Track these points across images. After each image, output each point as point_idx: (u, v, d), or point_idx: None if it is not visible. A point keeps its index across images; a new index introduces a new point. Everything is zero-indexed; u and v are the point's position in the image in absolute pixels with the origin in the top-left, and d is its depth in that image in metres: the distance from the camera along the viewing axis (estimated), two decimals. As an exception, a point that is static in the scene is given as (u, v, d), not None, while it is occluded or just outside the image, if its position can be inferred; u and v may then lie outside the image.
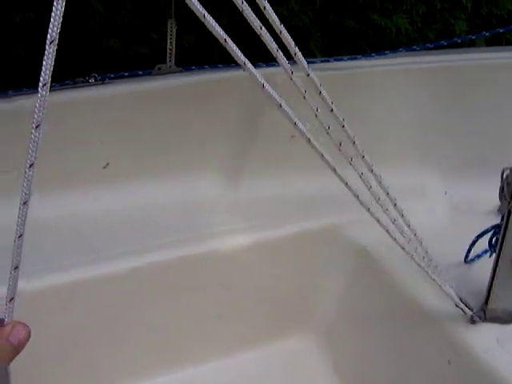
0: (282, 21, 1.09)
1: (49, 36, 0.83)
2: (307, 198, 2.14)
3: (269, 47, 1.09)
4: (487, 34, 2.49)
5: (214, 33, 0.97)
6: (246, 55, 1.03)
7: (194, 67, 2.22)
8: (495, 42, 3.30)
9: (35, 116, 0.82)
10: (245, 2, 1.02)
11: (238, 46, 1.01)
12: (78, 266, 1.79)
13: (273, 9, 1.06)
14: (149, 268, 1.85)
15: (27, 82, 2.83)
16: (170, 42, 2.17)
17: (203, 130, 2.18)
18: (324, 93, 1.19)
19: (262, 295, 1.99)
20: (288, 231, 2.00)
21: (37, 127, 0.84)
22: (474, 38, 2.58)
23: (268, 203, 2.12)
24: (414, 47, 2.34)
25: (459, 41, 2.38)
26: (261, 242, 1.96)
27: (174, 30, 2.18)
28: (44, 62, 0.83)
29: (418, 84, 2.25)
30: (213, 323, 1.96)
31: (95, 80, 2.14)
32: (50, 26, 0.83)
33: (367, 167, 1.32)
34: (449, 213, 2.13)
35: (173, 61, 2.20)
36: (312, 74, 1.16)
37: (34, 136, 0.83)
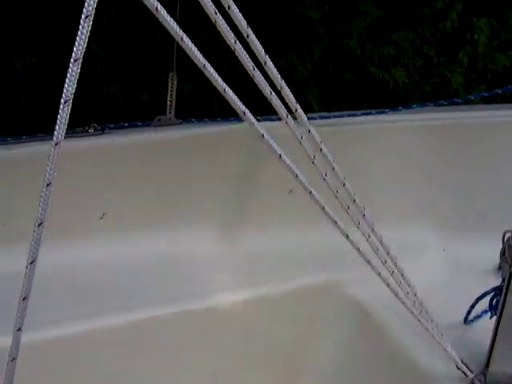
0: (280, 72, 1.10)
1: (64, 94, 0.84)
2: (306, 252, 2.13)
3: (278, 112, 1.09)
4: (486, 95, 2.50)
5: (233, 106, 0.98)
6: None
7: (193, 119, 2.23)
8: (490, 97, 3.34)
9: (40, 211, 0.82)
10: (256, 68, 1.03)
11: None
12: (72, 319, 1.77)
13: (271, 60, 1.07)
14: (144, 323, 1.83)
15: (27, 128, 2.83)
16: (171, 95, 2.17)
17: (202, 182, 2.17)
18: (325, 150, 1.19)
19: (259, 352, 1.97)
20: (286, 287, 1.98)
21: (47, 186, 0.83)
22: (472, 98, 2.60)
23: (266, 258, 2.11)
24: (414, 105, 2.36)
25: (459, 101, 2.40)
26: (258, 298, 1.94)
27: (175, 83, 2.19)
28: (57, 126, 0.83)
29: (418, 141, 2.26)
30: (207, 381, 1.93)
31: (95, 130, 2.14)
32: (66, 84, 0.84)
33: (368, 226, 1.32)
34: (448, 270, 2.12)
35: (173, 113, 2.20)
36: (313, 131, 1.17)
37: (37, 234, 0.83)
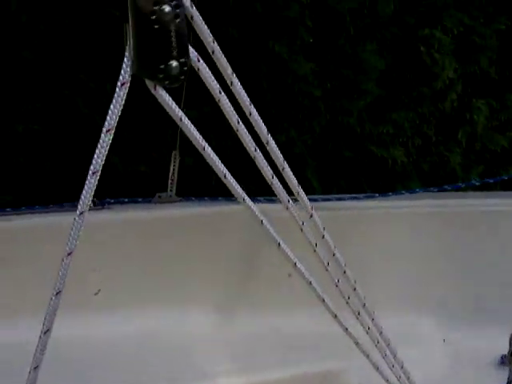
0: (280, 148, 1.09)
1: (80, 205, 0.83)
2: (306, 338, 2.09)
3: (281, 199, 1.09)
4: (491, 181, 2.51)
5: (233, 192, 0.98)
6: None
7: (194, 198, 2.22)
8: (491, 175, 3.36)
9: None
10: (257, 149, 1.03)
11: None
12: None
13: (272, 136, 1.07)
14: None
15: (25, 192, 2.82)
16: (173, 173, 2.17)
17: (201, 262, 2.15)
18: (327, 236, 1.19)
19: None
20: (285, 374, 1.94)
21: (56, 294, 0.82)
22: (477, 184, 2.60)
23: (263, 342, 2.07)
24: (417, 190, 2.36)
25: (462, 186, 2.41)
26: (256, 383, 1.90)
27: (177, 162, 2.18)
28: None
29: (418, 227, 2.26)
30: None
31: (94, 204, 2.12)
32: (82, 196, 0.84)
33: (369, 317, 1.31)
34: (447, 362, 2.08)
35: (174, 190, 2.19)
36: (315, 216, 1.16)
37: (43, 340, 0.82)
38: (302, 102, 3.09)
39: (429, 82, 3.34)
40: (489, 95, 3.50)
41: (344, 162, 3.25)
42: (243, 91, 0.95)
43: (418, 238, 2.26)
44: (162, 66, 0.85)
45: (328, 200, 2.21)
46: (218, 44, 0.94)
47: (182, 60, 0.86)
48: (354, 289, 1.24)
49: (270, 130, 1.07)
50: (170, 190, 2.19)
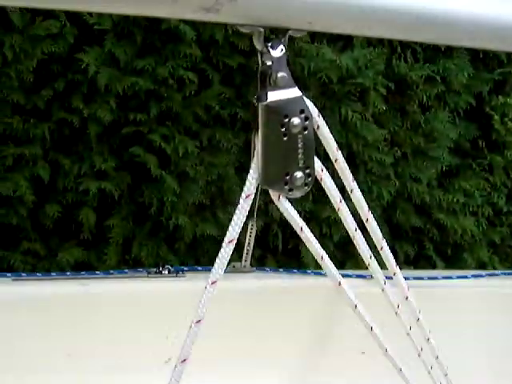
0: None
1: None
2: None
3: (377, 280, 1.06)
4: None
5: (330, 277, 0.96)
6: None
7: (268, 269, 2.19)
8: None
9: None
10: (372, 257, 1.01)
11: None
12: None
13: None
14: None
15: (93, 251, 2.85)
16: (249, 243, 2.14)
17: (271, 334, 2.11)
18: (411, 298, 1.15)
19: None
20: None
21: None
22: None
23: None
24: (498, 272, 2.30)
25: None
26: None
27: (254, 231, 2.16)
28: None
29: (498, 311, 2.18)
30: None
31: (169, 272, 2.11)
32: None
33: None
34: None
35: (248, 261, 2.17)
36: (398, 275, 1.12)
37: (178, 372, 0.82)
38: (372, 168, 3.08)
39: (501, 151, 3.31)
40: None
41: (412, 230, 3.22)
42: (362, 198, 0.94)
43: (499, 322, 2.19)
44: (288, 177, 0.84)
45: (420, 279, 2.16)
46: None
47: (307, 171, 0.85)
48: (437, 357, 1.19)
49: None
50: (245, 261, 2.16)
